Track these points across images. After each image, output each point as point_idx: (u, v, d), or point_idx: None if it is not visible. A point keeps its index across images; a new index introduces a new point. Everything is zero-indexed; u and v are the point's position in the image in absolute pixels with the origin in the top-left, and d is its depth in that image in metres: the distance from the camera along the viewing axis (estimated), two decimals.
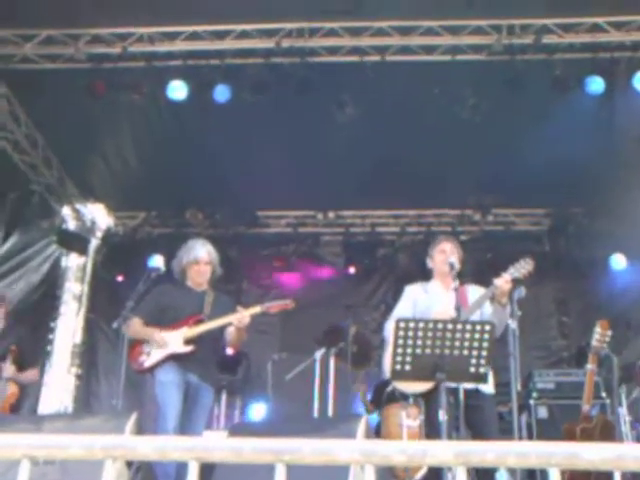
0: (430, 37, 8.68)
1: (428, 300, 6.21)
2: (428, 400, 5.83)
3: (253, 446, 1.98)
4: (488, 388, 5.86)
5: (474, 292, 6.20)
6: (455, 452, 1.88)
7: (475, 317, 5.95)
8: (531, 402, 9.03)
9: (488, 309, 6.04)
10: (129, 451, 1.97)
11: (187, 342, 6.34)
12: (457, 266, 6.05)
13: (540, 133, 9.37)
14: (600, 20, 8.43)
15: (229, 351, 7.55)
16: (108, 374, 11.30)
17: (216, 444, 2.01)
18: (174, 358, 6.32)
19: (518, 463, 1.89)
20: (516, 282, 5.89)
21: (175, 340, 6.34)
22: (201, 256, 6.66)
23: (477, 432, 5.72)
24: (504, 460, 1.89)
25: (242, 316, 6.33)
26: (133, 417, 4.92)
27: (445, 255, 6.32)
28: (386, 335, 6.19)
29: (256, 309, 6.55)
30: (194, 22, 8.62)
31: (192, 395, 6.34)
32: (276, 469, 1.95)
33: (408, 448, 1.89)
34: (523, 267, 5.91)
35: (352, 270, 12.03)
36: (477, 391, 5.72)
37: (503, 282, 5.79)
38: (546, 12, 8.40)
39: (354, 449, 1.92)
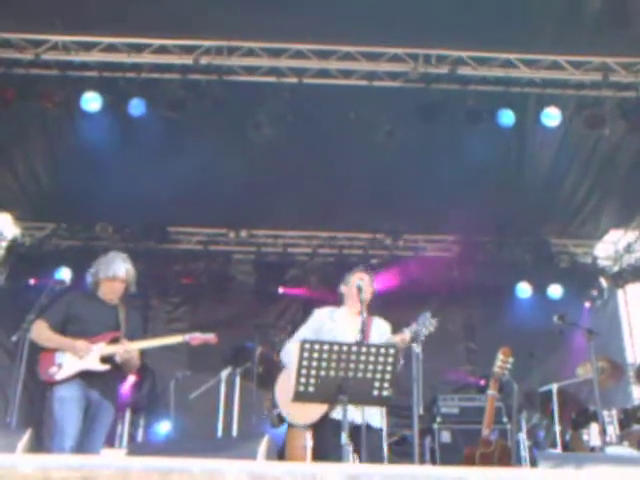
0: (348, 62, 8.79)
1: (333, 327, 6.23)
2: (316, 432, 5.85)
3: (142, 466, 1.94)
4: (377, 423, 5.95)
5: (378, 325, 6.29)
6: (344, 475, 1.87)
7: None
8: (435, 426, 9.16)
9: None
10: (8, 471, 1.89)
11: (103, 360, 6.18)
12: (367, 295, 6.11)
13: (453, 161, 9.56)
14: (512, 56, 8.71)
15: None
16: (5, 389, 10.84)
17: (103, 463, 1.95)
18: (80, 374, 6.10)
19: None
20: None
21: (90, 356, 6.16)
22: (119, 274, 6.46)
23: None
24: None
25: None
26: (27, 435, 4.70)
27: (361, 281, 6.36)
28: (283, 356, 6.22)
29: (178, 338, 6.51)
30: (111, 33, 8.48)
31: (92, 412, 6.15)
32: None
33: (297, 471, 1.87)
34: (426, 327, 5.86)
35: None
36: (367, 426, 5.74)
37: (400, 341, 5.84)
38: (462, 45, 8.62)
39: (243, 470, 1.89)
